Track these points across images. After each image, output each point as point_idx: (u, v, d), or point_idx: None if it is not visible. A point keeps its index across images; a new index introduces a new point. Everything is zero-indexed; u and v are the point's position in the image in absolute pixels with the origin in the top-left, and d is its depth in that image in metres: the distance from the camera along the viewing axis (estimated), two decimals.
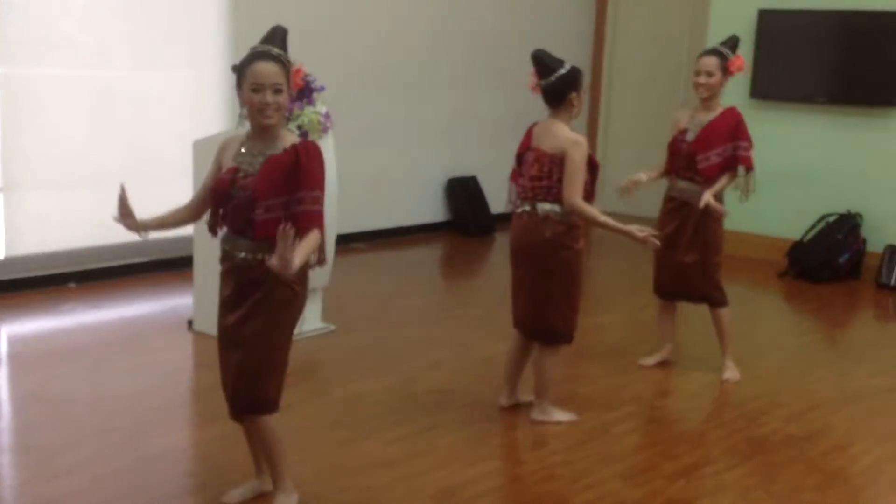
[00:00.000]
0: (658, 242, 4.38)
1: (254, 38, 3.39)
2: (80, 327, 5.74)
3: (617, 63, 9.99)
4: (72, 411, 4.42)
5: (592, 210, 4.22)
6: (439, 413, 4.53)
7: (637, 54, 9.83)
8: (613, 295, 7.08)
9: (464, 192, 8.85)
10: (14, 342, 5.53)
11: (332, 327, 5.70)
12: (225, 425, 3.77)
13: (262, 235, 3.20)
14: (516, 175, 4.42)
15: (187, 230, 5.45)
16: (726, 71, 4.95)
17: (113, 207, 3.44)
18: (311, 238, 3.18)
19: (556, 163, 4.20)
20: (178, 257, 6.55)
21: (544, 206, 4.24)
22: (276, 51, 3.26)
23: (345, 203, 6.01)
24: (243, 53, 3.33)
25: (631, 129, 9.84)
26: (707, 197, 4.88)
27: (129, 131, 6.59)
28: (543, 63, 4.26)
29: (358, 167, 7.75)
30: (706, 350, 5.34)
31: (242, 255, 3.30)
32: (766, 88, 7.97)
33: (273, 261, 3.00)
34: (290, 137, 3.33)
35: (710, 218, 4.96)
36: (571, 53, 8.54)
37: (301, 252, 3.08)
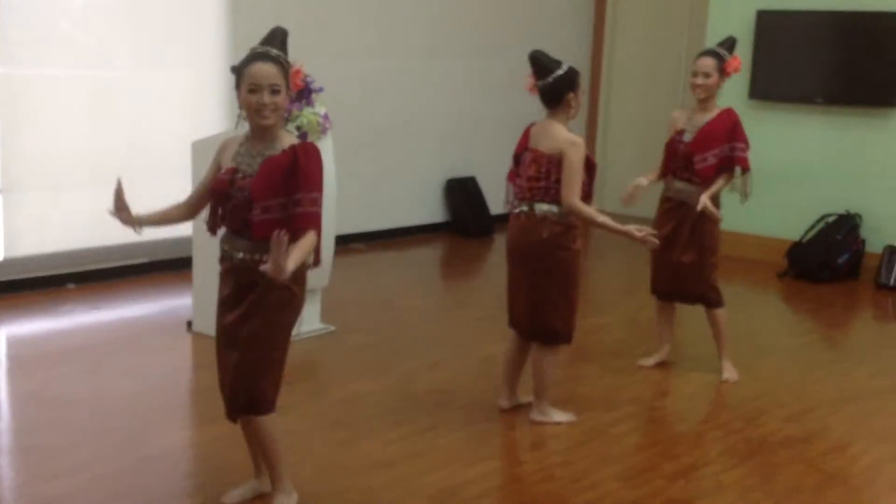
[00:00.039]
0: (657, 241, 4.38)
1: (253, 39, 3.39)
2: (80, 328, 5.74)
3: (616, 64, 9.99)
4: (71, 412, 4.42)
5: (591, 211, 4.22)
6: (439, 413, 4.53)
7: (636, 55, 9.83)
8: (612, 296, 7.08)
9: (463, 193, 8.85)
10: (13, 343, 5.53)
11: (332, 328, 5.70)
12: (224, 426, 3.77)
13: (259, 236, 3.20)
14: (514, 175, 4.42)
15: (186, 231, 5.48)
16: (723, 72, 4.96)
17: (111, 205, 3.44)
18: (307, 240, 3.19)
19: (554, 163, 4.21)
20: (177, 258, 6.55)
21: (542, 207, 4.25)
22: (274, 52, 3.27)
23: (344, 204, 6.01)
24: (242, 54, 3.33)
25: (630, 129, 9.83)
26: (704, 200, 4.88)
27: (129, 132, 6.59)
28: (541, 64, 4.26)
29: (357, 168, 7.75)
30: (705, 351, 5.34)
31: (240, 255, 3.30)
32: (764, 89, 7.97)
33: (266, 266, 3.01)
34: (288, 138, 3.33)
35: (707, 218, 4.96)
36: (570, 54, 8.56)
37: (296, 255, 3.09)
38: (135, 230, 3.49)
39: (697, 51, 5.30)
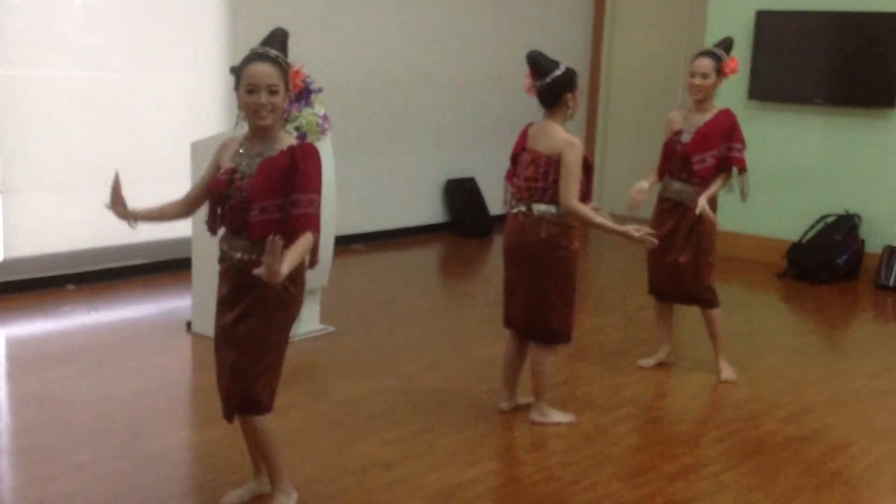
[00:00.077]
0: (655, 241, 4.39)
1: (252, 40, 3.40)
2: (79, 329, 5.73)
3: (615, 64, 9.99)
4: (70, 413, 4.42)
5: (589, 211, 4.22)
6: (438, 414, 4.53)
7: (635, 56, 9.84)
8: (611, 296, 7.08)
9: (462, 194, 8.85)
10: (13, 344, 5.53)
11: (331, 328, 5.70)
12: (223, 427, 3.76)
13: (258, 236, 3.20)
14: (511, 175, 4.43)
15: (186, 232, 5.49)
16: (721, 73, 4.96)
17: (107, 198, 3.44)
18: (303, 242, 3.19)
19: (552, 164, 4.21)
20: (176, 259, 6.55)
21: (540, 207, 4.25)
22: (273, 52, 3.26)
23: (343, 205, 6.02)
24: (242, 55, 3.34)
25: (629, 130, 9.84)
26: (703, 203, 4.88)
27: (128, 133, 6.59)
28: (538, 64, 4.27)
29: (356, 169, 7.76)
30: (704, 351, 5.34)
31: (239, 255, 3.30)
32: (763, 89, 7.97)
33: (260, 270, 3.02)
34: (287, 139, 3.33)
35: (705, 219, 4.96)
36: (570, 55, 8.58)
37: (292, 257, 3.10)
38: (130, 225, 3.49)
39: (697, 51, 5.30)
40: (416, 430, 4.33)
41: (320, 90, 5.16)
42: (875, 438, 4.49)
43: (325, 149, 5.18)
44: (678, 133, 5.05)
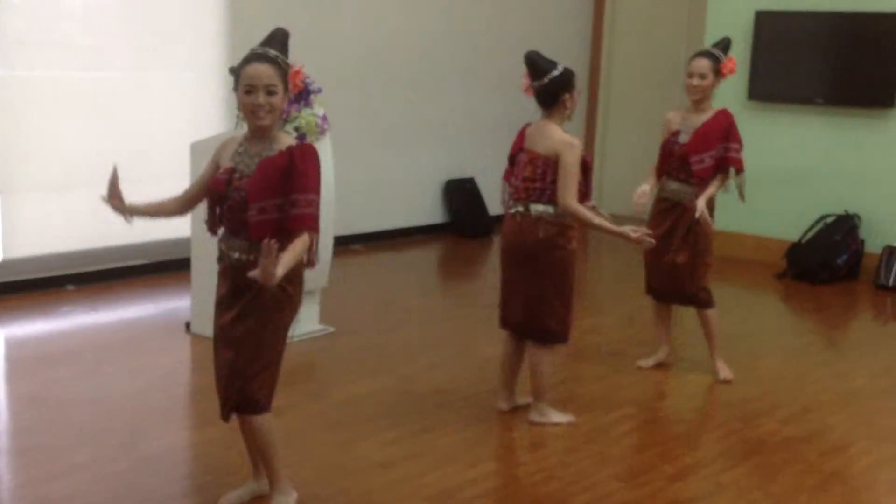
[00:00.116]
0: (653, 242, 4.40)
1: (252, 41, 3.39)
2: (78, 329, 5.74)
3: (614, 64, 9.99)
4: (70, 413, 4.42)
5: (587, 212, 4.22)
6: (438, 414, 4.53)
7: (634, 56, 9.84)
8: (611, 297, 7.08)
9: (462, 194, 8.85)
10: (12, 344, 5.53)
11: (331, 329, 5.70)
12: (223, 427, 3.76)
13: (256, 236, 3.20)
14: (509, 175, 4.43)
15: (185, 232, 5.49)
16: (719, 73, 4.96)
17: (111, 210, 3.44)
18: (300, 242, 3.19)
19: (550, 164, 4.21)
20: (175, 259, 6.54)
21: (537, 208, 4.25)
22: (272, 52, 3.26)
23: (343, 205, 6.01)
24: (241, 55, 3.33)
25: (629, 130, 9.83)
26: (702, 206, 4.88)
27: (128, 133, 6.58)
28: (536, 65, 4.27)
29: (356, 169, 7.75)
30: (703, 352, 5.33)
31: (237, 255, 3.31)
32: (763, 90, 7.97)
33: (255, 272, 3.02)
34: (286, 139, 3.33)
35: (702, 220, 4.96)
36: (569, 55, 8.58)
37: (287, 258, 3.10)
38: (126, 219, 3.49)
39: (695, 52, 5.29)
40: (415, 431, 4.33)
41: (319, 90, 5.16)
42: (874, 439, 4.49)
43: (325, 149, 5.18)
44: (676, 133, 5.05)
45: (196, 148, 5.18)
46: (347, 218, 7.35)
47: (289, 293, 3.32)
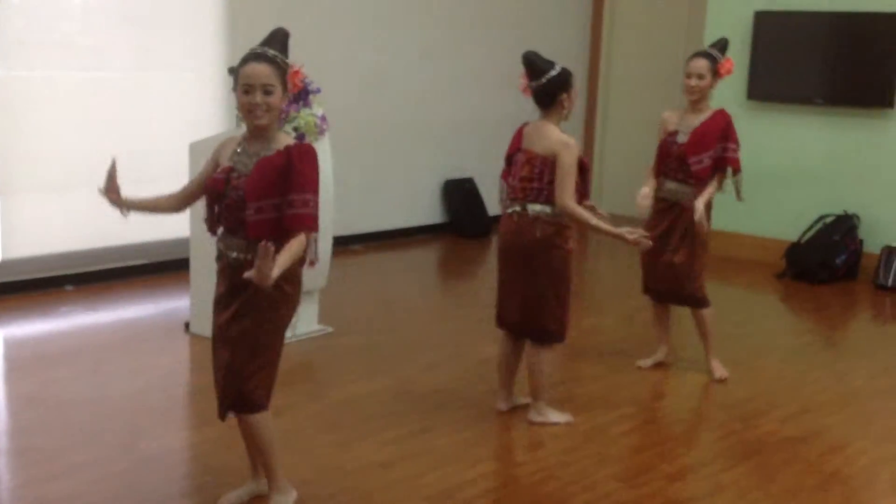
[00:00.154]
0: (650, 244, 4.41)
1: (252, 41, 3.40)
2: (78, 330, 5.74)
3: (614, 65, 9.99)
4: (69, 413, 4.42)
5: (584, 213, 4.22)
6: (436, 414, 4.53)
7: (633, 56, 9.83)
8: (610, 297, 7.08)
9: (461, 194, 8.85)
10: (11, 345, 5.52)
11: (329, 329, 5.70)
12: (222, 427, 3.77)
13: (254, 236, 3.21)
14: (507, 175, 4.43)
15: (184, 233, 5.49)
16: (717, 73, 4.97)
17: (110, 209, 3.44)
18: (296, 243, 3.19)
19: (548, 164, 4.21)
20: (174, 260, 6.54)
21: (535, 208, 4.25)
22: (271, 52, 3.26)
23: (342, 205, 6.01)
24: (241, 56, 3.34)
25: (628, 130, 9.83)
26: (701, 209, 4.89)
27: (127, 133, 6.59)
28: (534, 65, 4.27)
29: (355, 169, 7.75)
30: (702, 352, 5.33)
31: (235, 254, 3.31)
32: (762, 90, 7.97)
33: (251, 273, 3.03)
34: (285, 139, 3.33)
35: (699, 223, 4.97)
36: (568, 55, 8.58)
37: (283, 259, 3.10)
38: (121, 213, 3.49)
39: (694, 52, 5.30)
40: (414, 431, 4.33)
41: (318, 91, 5.16)
42: (873, 439, 4.49)
43: (324, 149, 5.18)
44: (673, 133, 5.05)
45: (195, 148, 5.18)
46: (347, 218, 7.35)
47: (287, 293, 3.32)
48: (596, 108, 10.00)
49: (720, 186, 5.03)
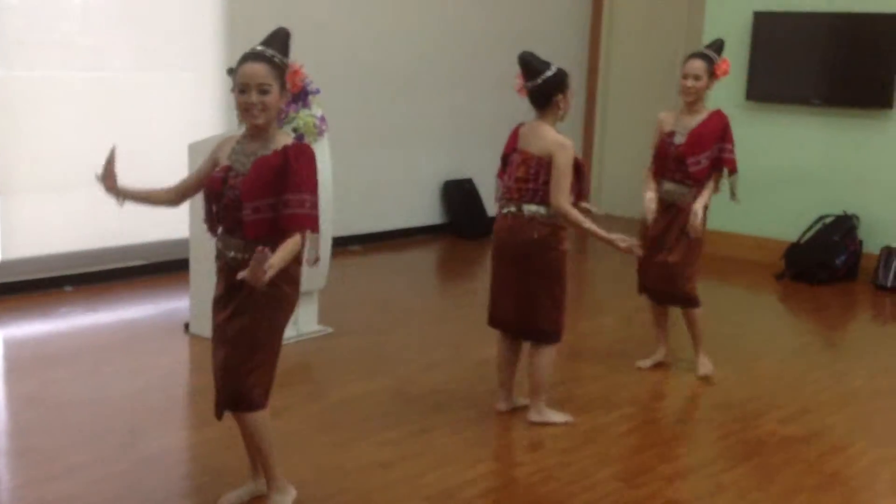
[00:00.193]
0: (641, 252, 4.42)
1: (252, 41, 3.39)
2: (77, 330, 5.73)
3: (613, 65, 9.98)
4: (68, 414, 4.42)
5: (578, 216, 4.23)
6: (436, 415, 4.53)
7: (632, 57, 9.83)
8: (610, 297, 7.08)
9: (460, 195, 8.85)
10: (11, 345, 5.52)
11: (329, 329, 5.70)
12: (221, 428, 3.77)
13: (252, 236, 3.21)
14: (502, 173, 4.44)
15: (184, 233, 5.48)
16: (713, 74, 4.97)
17: (110, 210, 3.44)
18: (291, 243, 3.19)
19: (543, 165, 4.21)
20: (174, 260, 6.54)
21: (530, 208, 4.26)
22: (269, 52, 3.27)
23: (341, 206, 6.01)
24: (240, 56, 3.33)
25: (627, 131, 9.82)
26: (700, 212, 4.90)
27: (127, 133, 6.58)
28: (530, 65, 4.27)
29: (354, 170, 7.75)
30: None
31: (232, 254, 3.31)
32: (761, 90, 7.97)
33: (244, 274, 3.04)
34: (284, 139, 3.33)
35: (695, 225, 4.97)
36: (567, 55, 8.59)
37: (277, 259, 3.10)
38: (117, 201, 3.49)
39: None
40: (414, 431, 4.32)
41: (318, 91, 5.16)
42: (873, 439, 4.49)
43: (323, 150, 5.18)
44: (671, 134, 5.05)
45: (194, 148, 5.17)
46: (346, 219, 7.35)
47: (285, 292, 3.32)
48: (595, 108, 10.00)
49: (717, 188, 5.04)
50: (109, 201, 3.50)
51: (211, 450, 4.06)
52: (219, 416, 3.46)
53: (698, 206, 4.92)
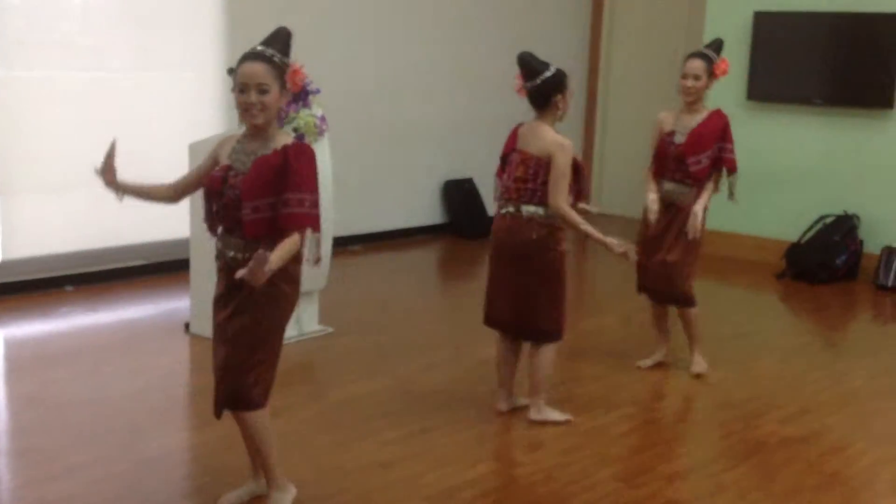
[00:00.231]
0: (636, 257, 4.42)
1: (252, 41, 3.39)
2: (78, 330, 5.73)
3: (613, 65, 9.98)
4: (69, 414, 4.42)
5: (575, 217, 4.23)
6: (437, 414, 4.53)
7: (633, 57, 9.83)
8: (610, 297, 7.08)
9: (460, 195, 8.85)
10: (11, 345, 5.52)
11: (330, 329, 5.70)
12: (222, 428, 3.77)
13: (251, 235, 3.21)
14: (501, 173, 4.44)
15: (184, 233, 5.48)
16: (712, 74, 4.97)
17: (110, 210, 3.44)
18: (289, 242, 3.19)
19: (542, 165, 4.22)
20: (174, 260, 6.54)
21: (529, 209, 4.26)
22: (268, 51, 3.27)
23: (341, 206, 6.01)
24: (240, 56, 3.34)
25: (627, 131, 9.82)
26: (700, 214, 4.90)
27: (126, 133, 6.54)
28: (529, 66, 4.27)
29: (354, 170, 7.75)
30: (703, 352, 5.33)
31: (232, 253, 3.31)
32: (762, 90, 7.97)
33: (242, 272, 3.04)
34: (284, 139, 3.33)
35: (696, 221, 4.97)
36: (568, 55, 8.59)
37: (274, 258, 3.10)
38: (116, 195, 3.50)
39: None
40: (414, 431, 4.32)
41: (318, 91, 5.16)
42: (874, 439, 4.49)
43: (323, 150, 5.18)
44: (671, 134, 5.05)
45: (194, 149, 5.17)
46: (346, 219, 7.35)
47: (285, 292, 3.32)
48: (595, 108, 10.00)
49: (717, 188, 5.04)
50: (110, 201, 3.50)
51: (211, 450, 4.06)
52: (218, 414, 3.45)
53: (698, 207, 4.93)
